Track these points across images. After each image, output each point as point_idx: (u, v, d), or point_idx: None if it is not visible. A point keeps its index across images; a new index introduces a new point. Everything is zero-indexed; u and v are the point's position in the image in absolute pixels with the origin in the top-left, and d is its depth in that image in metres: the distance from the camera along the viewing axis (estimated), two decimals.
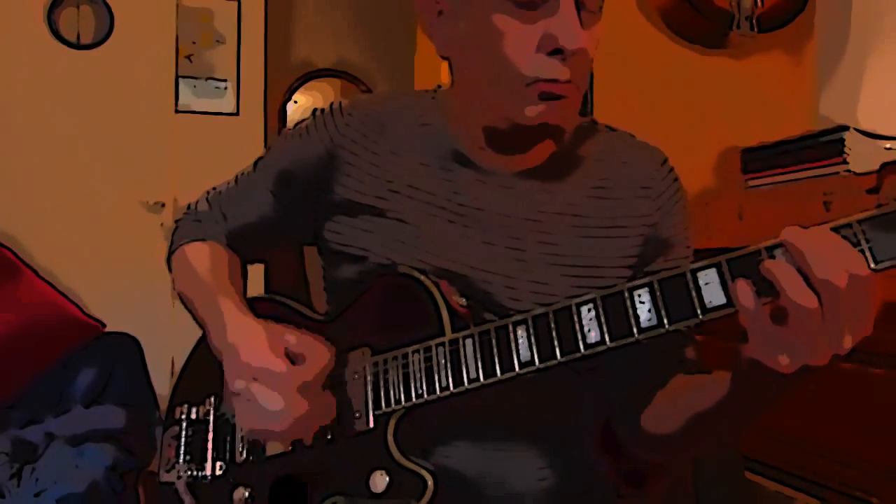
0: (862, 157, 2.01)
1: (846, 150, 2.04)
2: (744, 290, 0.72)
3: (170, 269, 1.18)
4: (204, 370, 1.05)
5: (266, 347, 0.94)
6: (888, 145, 2.03)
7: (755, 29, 2.51)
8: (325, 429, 0.96)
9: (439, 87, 1.10)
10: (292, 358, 0.94)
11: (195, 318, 1.09)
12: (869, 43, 2.48)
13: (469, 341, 0.89)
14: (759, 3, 2.50)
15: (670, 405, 0.97)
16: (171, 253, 1.18)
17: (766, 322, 0.72)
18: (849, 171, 2.02)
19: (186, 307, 1.11)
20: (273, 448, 1.02)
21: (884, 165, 1.84)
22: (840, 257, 0.69)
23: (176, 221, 1.21)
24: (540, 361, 0.84)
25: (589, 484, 1.08)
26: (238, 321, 1.00)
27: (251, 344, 0.95)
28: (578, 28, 0.90)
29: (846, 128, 2.07)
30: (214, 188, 1.19)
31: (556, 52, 0.91)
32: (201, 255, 1.13)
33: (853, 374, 1.69)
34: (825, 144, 2.11)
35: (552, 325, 0.84)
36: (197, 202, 1.20)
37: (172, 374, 2.83)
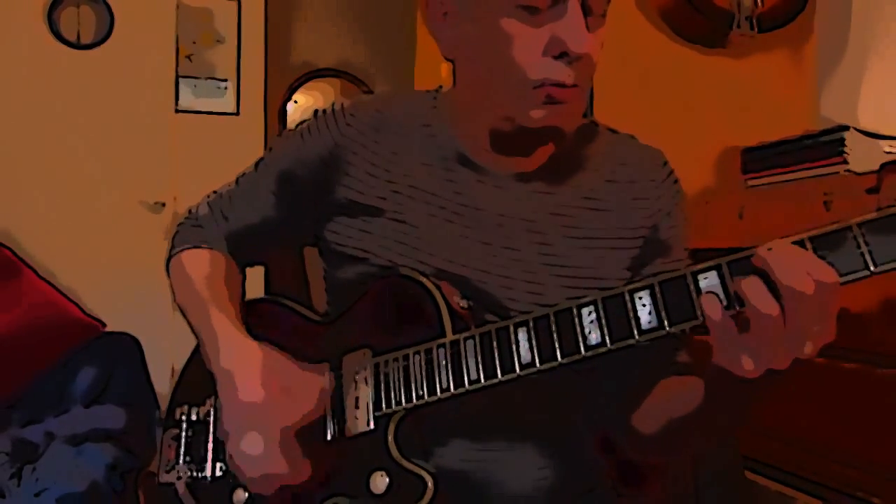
0: (862, 157, 2.01)
1: (846, 150, 2.04)
2: (710, 301, 0.74)
3: (168, 276, 1.18)
4: (204, 371, 1.05)
5: (258, 384, 0.93)
6: (888, 145, 2.02)
7: (755, 29, 2.50)
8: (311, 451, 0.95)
9: (441, 87, 1.11)
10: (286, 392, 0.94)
11: (191, 328, 1.09)
12: (869, 43, 2.48)
13: (470, 342, 0.89)
14: (759, 3, 2.50)
15: (655, 407, 0.98)
16: (169, 259, 1.18)
17: (732, 330, 0.74)
18: (849, 171, 2.02)
19: (183, 315, 1.11)
20: None
21: (884, 165, 1.83)
22: (805, 265, 0.71)
23: (177, 226, 1.20)
24: (541, 363, 0.85)
25: (588, 484, 1.09)
26: (231, 343, 0.99)
27: (244, 379, 0.94)
28: (585, 32, 0.91)
29: (846, 128, 2.07)
30: (216, 192, 1.19)
31: (563, 55, 0.91)
32: (197, 263, 1.12)
33: (853, 374, 1.69)
34: (825, 144, 2.10)
35: (553, 327, 0.84)
36: (198, 206, 1.20)
37: (172, 374, 2.83)
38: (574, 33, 0.90)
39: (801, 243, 0.72)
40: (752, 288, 0.72)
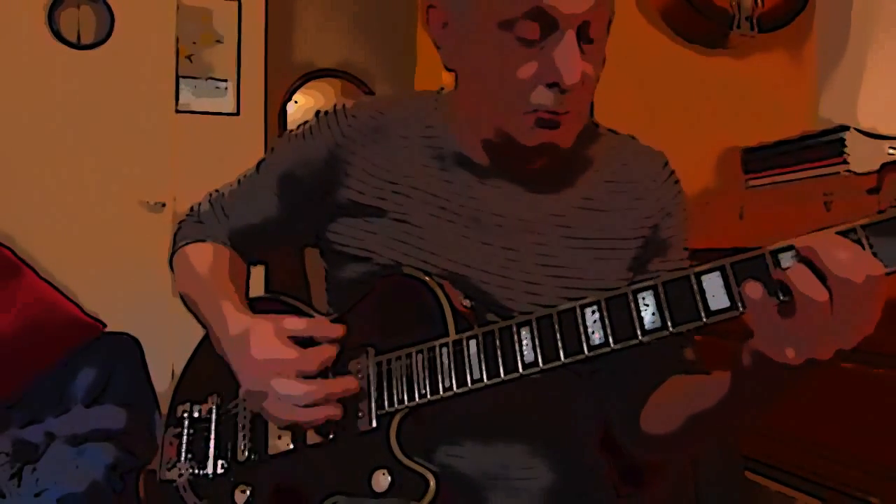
0: (862, 157, 2.01)
1: (846, 150, 2.04)
2: (752, 285, 0.73)
3: (172, 270, 1.18)
4: (206, 369, 1.06)
5: (273, 338, 0.95)
6: (890, 147, 2.02)
7: (755, 29, 2.51)
8: (330, 424, 0.96)
9: (442, 88, 1.11)
10: (301, 343, 0.95)
11: (197, 318, 1.09)
12: (869, 43, 2.48)
13: (473, 342, 0.89)
14: (759, 3, 2.50)
15: (670, 405, 0.97)
16: (172, 254, 1.19)
17: (774, 314, 0.73)
18: (849, 171, 2.02)
19: (188, 308, 1.12)
20: (275, 447, 1.02)
21: (884, 165, 1.83)
22: (854, 256, 0.70)
23: (179, 223, 1.21)
24: (543, 363, 0.84)
25: (589, 484, 1.09)
26: (239, 319, 1.00)
27: (257, 338, 0.95)
28: (577, 64, 0.89)
29: (846, 128, 2.07)
30: (217, 190, 1.20)
31: (555, 84, 0.91)
32: (202, 256, 1.13)
33: (853, 374, 1.69)
34: (825, 144, 2.11)
35: (556, 327, 0.84)
36: (199, 204, 1.20)
37: (172, 374, 2.83)
38: (567, 65, 0.89)
39: (845, 234, 0.71)
40: (799, 275, 0.71)
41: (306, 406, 0.93)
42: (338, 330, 0.97)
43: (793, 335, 0.72)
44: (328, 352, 0.95)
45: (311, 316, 1.10)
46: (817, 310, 0.70)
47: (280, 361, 0.93)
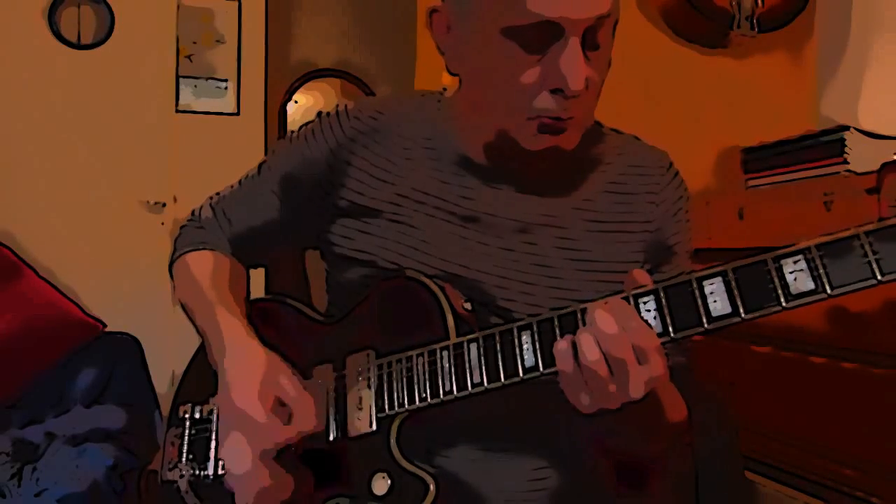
0: (862, 157, 2.01)
1: (846, 149, 2.04)
2: (559, 349, 0.80)
3: (171, 277, 1.18)
4: (208, 370, 1.05)
5: (255, 391, 0.92)
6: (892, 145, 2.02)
7: (755, 29, 2.50)
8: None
9: (445, 89, 1.11)
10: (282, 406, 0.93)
11: (195, 327, 1.09)
12: (869, 43, 2.48)
13: (473, 346, 0.89)
14: (759, 3, 2.50)
15: None
16: (173, 261, 1.18)
17: (573, 365, 0.80)
18: (849, 171, 2.02)
19: (188, 316, 1.11)
20: None
21: (884, 165, 1.83)
22: (621, 329, 0.77)
23: (180, 228, 1.20)
24: (544, 367, 0.85)
25: (588, 485, 1.08)
26: (238, 344, 0.99)
27: (244, 381, 0.94)
28: (582, 70, 0.89)
29: (846, 128, 2.07)
30: (218, 193, 1.19)
31: (559, 90, 0.90)
32: (203, 265, 1.13)
33: (854, 374, 1.69)
34: (825, 144, 2.10)
35: (557, 331, 0.84)
36: (201, 208, 1.20)
37: (173, 374, 2.83)
38: (571, 71, 0.88)
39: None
40: (583, 340, 0.78)
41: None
42: (310, 424, 0.93)
43: (586, 385, 0.79)
44: (294, 437, 0.92)
45: (314, 319, 1.10)
46: (595, 369, 0.77)
47: (250, 421, 0.91)
